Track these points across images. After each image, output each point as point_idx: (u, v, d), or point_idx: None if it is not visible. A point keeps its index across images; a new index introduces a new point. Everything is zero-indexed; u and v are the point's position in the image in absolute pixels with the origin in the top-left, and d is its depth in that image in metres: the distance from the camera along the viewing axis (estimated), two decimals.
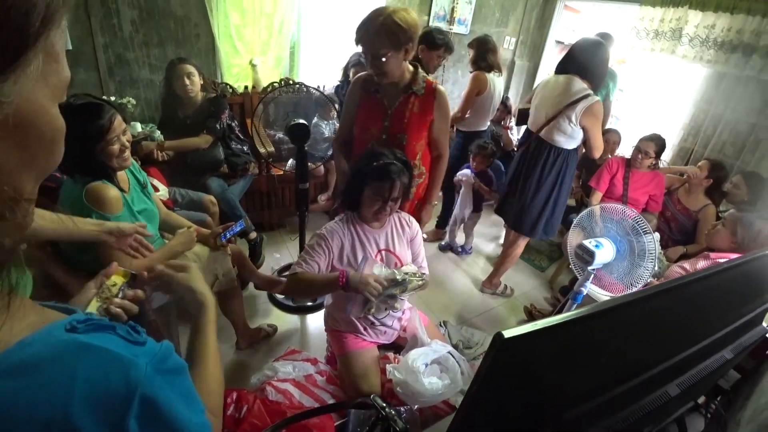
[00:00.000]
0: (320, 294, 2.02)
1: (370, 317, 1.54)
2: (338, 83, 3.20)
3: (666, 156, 3.51)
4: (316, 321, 2.33)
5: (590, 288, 1.78)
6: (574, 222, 1.84)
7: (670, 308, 0.61)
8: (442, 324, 2.28)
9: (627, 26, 3.54)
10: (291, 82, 3.05)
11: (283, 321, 2.31)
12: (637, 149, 2.66)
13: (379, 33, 1.51)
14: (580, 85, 2.10)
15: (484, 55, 2.77)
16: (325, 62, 3.51)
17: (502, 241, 3.24)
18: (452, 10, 3.79)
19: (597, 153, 2.23)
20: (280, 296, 2.40)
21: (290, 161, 2.98)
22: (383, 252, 1.56)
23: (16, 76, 0.28)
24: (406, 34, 1.53)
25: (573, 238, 1.84)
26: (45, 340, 0.34)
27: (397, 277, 1.39)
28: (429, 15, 3.70)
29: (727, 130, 3.11)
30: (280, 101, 2.90)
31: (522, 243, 2.54)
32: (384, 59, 1.56)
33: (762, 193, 2.50)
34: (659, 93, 4.32)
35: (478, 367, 0.46)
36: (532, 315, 2.53)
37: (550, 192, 2.27)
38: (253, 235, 2.54)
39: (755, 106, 2.97)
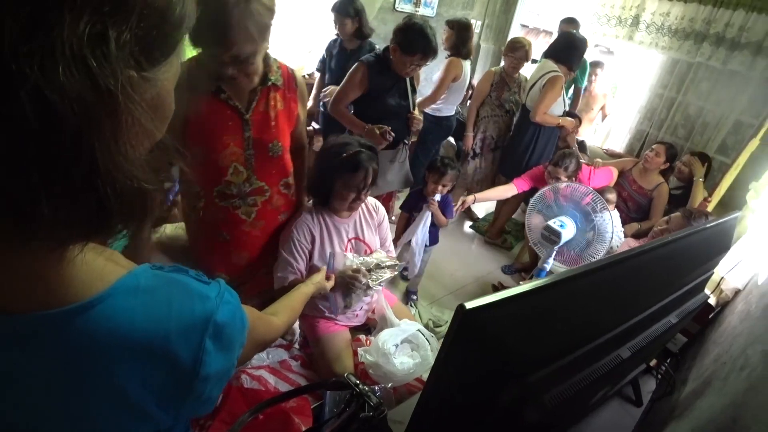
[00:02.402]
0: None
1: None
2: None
3: (623, 139, 3.68)
4: None
5: (552, 264, 1.87)
6: (530, 205, 1.92)
7: (620, 278, 0.66)
8: (412, 304, 2.33)
9: (590, 11, 3.64)
10: None
11: None
12: (548, 173, 2.50)
13: (246, 26, 1.04)
14: (551, 66, 2.61)
15: (465, 41, 2.77)
16: (286, 44, 3.41)
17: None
18: None
19: (535, 116, 2.65)
20: None
21: None
22: (353, 241, 1.57)
23: (168, 63, 0.37)
24: (272, 17, 1.13)
25: (531, 220, 1.92)
26: (146, 274, 0.44)
27: (371, 264, 1.42)
28: None
29: (679, 114, 3.29)
30: None
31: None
32: (252, 59, 1.14)
33: (709, 170, 2.77)
34: (620, 79, 4.48)
35: (444, 337, 0.49)
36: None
37: (529, 143, 2.81)
38: None
39: (703, 91, 3.15)
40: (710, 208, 2.41)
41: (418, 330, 1.48)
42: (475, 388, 0.58)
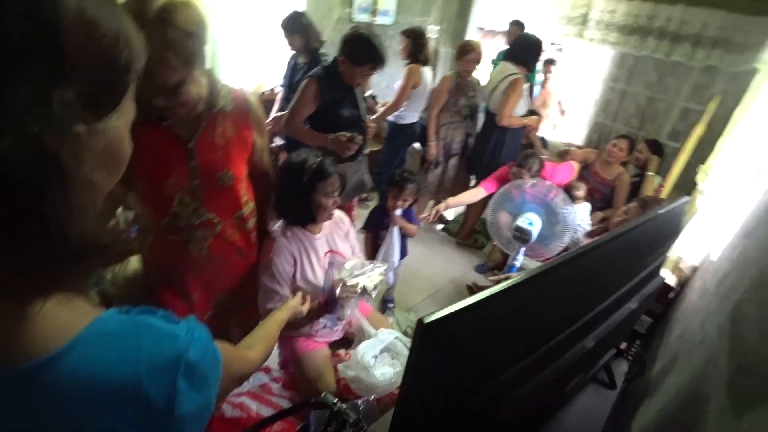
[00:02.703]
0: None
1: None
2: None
3: (582, 131, 3.83)
4: None
5: (522, 260, 1.93)
6: (494, 202, 1.98)
7: (579, 273, 0.69)
8: (389, 312, 2.33)
9: (541, 12, 3.78)
10: None
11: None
12: (512, 172, 2.55)
13: (164, 56, 0.94)
14: (511, 68, 2.74)
15: (421, 48, 2.83)
16: (249, 62, 3.39)
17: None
18: (375, 1, 3.81)
19: (501, 119, 2.77)
20: None
21: None
22: (329, 254, 1.57)
23: (118, 112, 0.37)
24: (197, 42, 1.00)
25: (497, 218, 1.98)
26: (113, 319, 0.44)
27: (366, 267, 1.45)
28: (351, 7, 3.70)
29: (631, 104, 3.46)
30: None
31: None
32: (181, 89, 1.02)
33: (662, 156, 2.95)
34: (575, 75, 4.65)
35: (409, 351, 0.50)
36: (474, 293, 2.66)
37: (496, 144, 2.96)
38: None
39: (652, 82, 3.32)
40: (666, 192, 2.53)
41: (396, 338, 1.49)
42: (448, 395, 0.60)
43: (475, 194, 2.66)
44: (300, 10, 2.67)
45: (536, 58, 2.90)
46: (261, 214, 1.47)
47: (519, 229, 1.88)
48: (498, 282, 2.01)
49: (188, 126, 1.15)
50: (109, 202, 0.41)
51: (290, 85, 2.88)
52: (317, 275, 1.51)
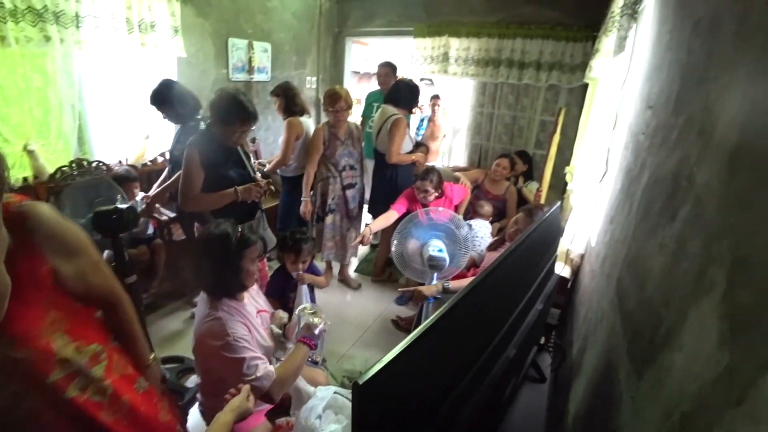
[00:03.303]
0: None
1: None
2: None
3: (461, 152, 4.23)
4: (189, 419, 2.03)
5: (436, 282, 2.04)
6: (396, 235, 2.08)
7: (487, 293, 0.76)
8: (323, 367, 2.23)
9: (408, 54, 4.17)
10: (85, 163, 2.65)
11: None
12: (417, 190, 2.68)
13: None
14: (392, 110, 2.89)
15: (293, 100, 2.89)
16: (123, 132, 3.14)
17: None
18: (250, 59, 3.85)
19: (390, 158, 2.87)
20: None
21: (105, 253, 2.47)
22: (260, 314, 1.57)
23: None
24: None
25: (399, 248, 2.09)
26: None
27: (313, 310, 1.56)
28: (228, 68, 3.68)
29: (499, 124, 3.94)
30: (77, 187, 2.48)
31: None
32: None
33: (531, 163, 3.52)
34: (447, 104, 5.14)
35: (351, 411, 0.50)
36: (399, 325, 2.70)
37: (389, 181, 3.03)
38: None
39: (511, 103, 3.84)
40: (544, 195, 2.89)
41: (336, 392, 1.44)
42: None
43: (388, 218, 2.68)
44: (168, 79, 2.56)
45: (415, 100, 3.04)
46: (129, 350, 1.15)
47: (433, 258, 2.01)
48: (418, 312, 2.12)
49: None
50: None
51: (171, 155, 2.69)
52: (264, 337, 1.51)
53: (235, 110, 1.92)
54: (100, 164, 2.73)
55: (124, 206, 1.75)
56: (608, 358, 1.06)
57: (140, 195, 2.68)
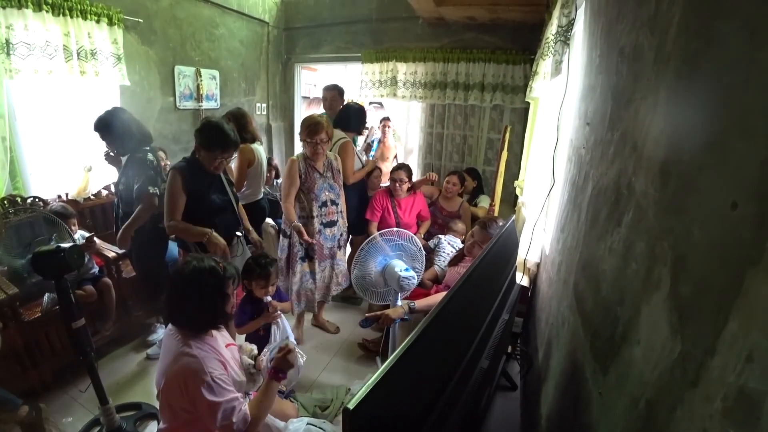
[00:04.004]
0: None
1: None
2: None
3: (415, 172, 4.34)
4: None
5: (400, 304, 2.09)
6: (356, 259, 2.13)
7: (455, 311, 0.79)
8: (292, 398, 2.17)
9: (357, 78, 4.28)
10: (18, 199, 2.45)
11: None
12: (392, 180, 3.02)
13: None
14: (340, 134, 2.90)
15: (245, 127, 2.85)
16: (61, 166, 2.94)
17: None
18: (198, 87, 3.78)
19: (347, 180, 2.83)
20: None
21: (46, 296, 2.30)
22: (229, 348, 1.51)
23: None
24: None
25: (360, 271, 2.14)
26: None
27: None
28: (175, 96, 3.59)
29: (449, 144, 4.10)
30: (11, 226, 2.29)
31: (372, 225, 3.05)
32: None
33: (480, 179, 3.66)
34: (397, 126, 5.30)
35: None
36: (367, 348, 2.68)
37: (358, 202, 3.02)
38: (24, 411, 1.88)
39: (459, 123, 4.02)
40: (497, 209, 3.03)
41: (309, 424, 1.41)
42: None
43: (372, 230, 2.89)
44: (116, 108, 2.45)
45: (362, 123, 3.12)
46: None
47: (404, 279, 2.06)
48: (384, 333, 2.18)
49: None
50: None
51: (116, 188, 2.50)
52: (237, 372, 1.47)
53: (217, 138, 2.03)
54: (36, 200, 2.54)
55: (66, 245, 1.64)
56: (573, 358, 1.13)
57: (78, 233, 2.51)
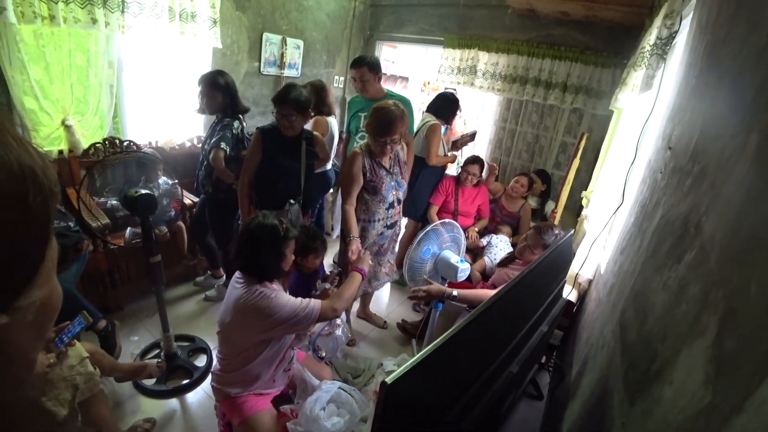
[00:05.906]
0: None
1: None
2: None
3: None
4: (195, 397, 2.14)
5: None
6: (419, 238, 2.15)
7: (499, 313, 0.82)
8: (328, 362, 2.31)
9: (437, 63, 4.23)
10: (117, 141, 2.76)
11: (159, 410, 2.05)
12: (465, 171, 3.17)
13: None
14: (431, 117, 3.06)
15: (323, 100, 2.96)
16: (154, 115, 3.26)
17: None
18: (282, 55, 3.95)
19: (429, 160, 2.97)
20: (148, 382, 2.13)
21: (129, 230, 2.62)
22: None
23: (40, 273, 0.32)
24: None
25: (412, 259, 2.18)
26: None
27: None
28: (260, 62, 3.79)
29: (520, 141, 3.97)
30: (107, 164, 2.60)
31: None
32: None
33: (550, 183, 3.55)
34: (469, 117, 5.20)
35: (374, 407, 0.57)
36: (405, 329, 2.77)
37: (423, 185, 3.15)
38: (102, 323, 2.19)
39: (534, 121, 3.87)
40: (558, 216, 2.93)
41: (340, 387, 1.52)
42: None
43: (431, 214, 3.16)
44: (220, 70, 2.66)
45: (453, 113, 3.20)
46: None
47: (461, 271, 2.09)
48: (424, 318, 2.26)
49: None
50: None
51: (202, 147, 2.75)
52: None
53: (279, 94, 2.20)
54: (131, 144, 2.85)
55: (148, 192, 1.92)
56: (605, 383, 1.11)
57: (162, 178, 2.79)
